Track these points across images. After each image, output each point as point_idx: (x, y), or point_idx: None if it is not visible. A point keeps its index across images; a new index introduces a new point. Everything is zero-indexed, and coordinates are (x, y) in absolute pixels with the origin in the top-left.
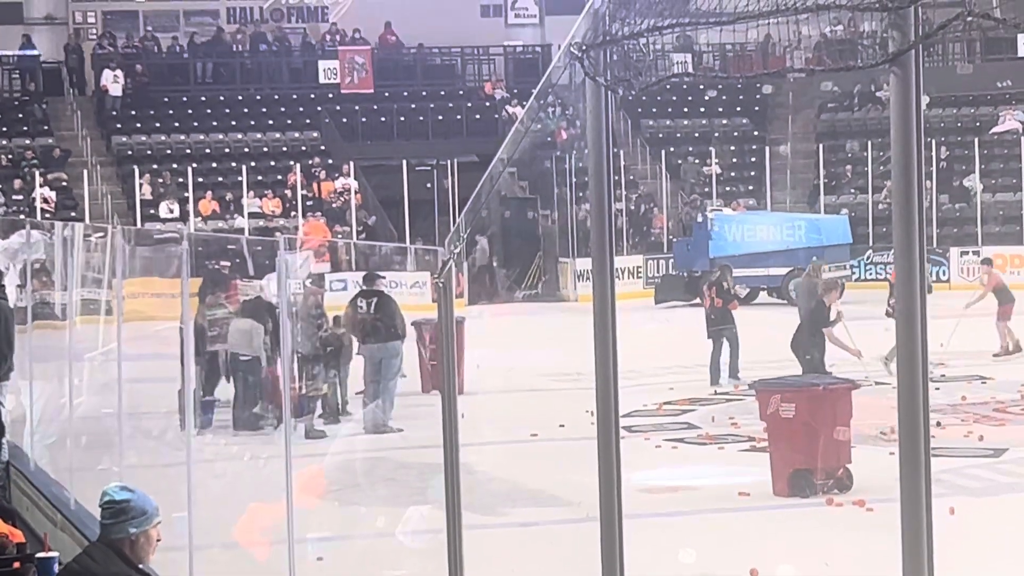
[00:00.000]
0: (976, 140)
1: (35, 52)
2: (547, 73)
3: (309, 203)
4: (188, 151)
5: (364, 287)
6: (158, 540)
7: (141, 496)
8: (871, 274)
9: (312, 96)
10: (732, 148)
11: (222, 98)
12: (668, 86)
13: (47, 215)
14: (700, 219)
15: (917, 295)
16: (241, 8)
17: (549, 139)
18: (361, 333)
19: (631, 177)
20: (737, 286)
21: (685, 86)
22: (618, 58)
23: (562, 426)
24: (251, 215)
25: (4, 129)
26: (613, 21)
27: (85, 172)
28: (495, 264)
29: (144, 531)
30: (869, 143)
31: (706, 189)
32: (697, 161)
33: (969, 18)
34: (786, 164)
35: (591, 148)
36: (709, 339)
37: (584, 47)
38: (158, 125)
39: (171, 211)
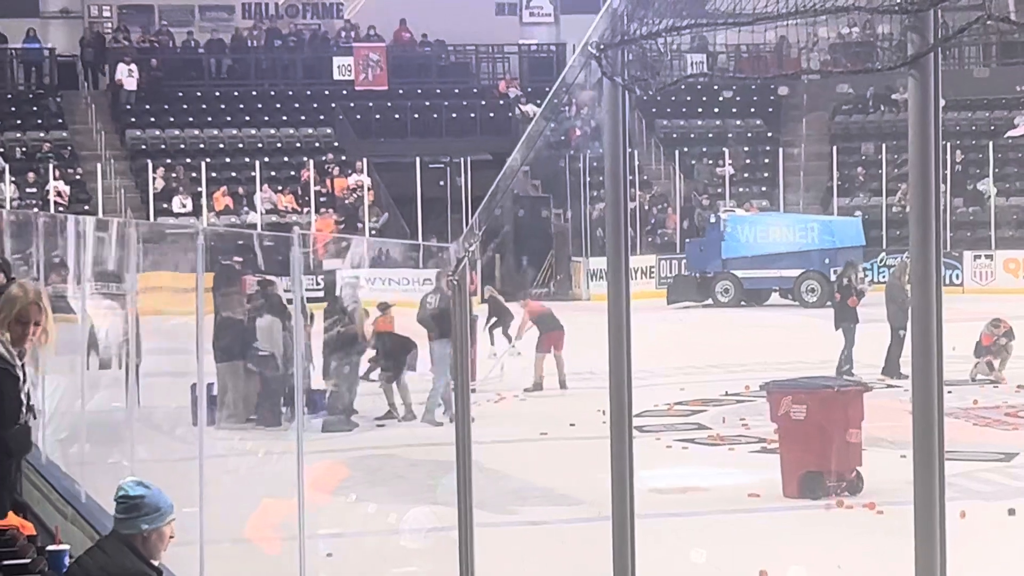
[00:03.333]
0: (991, 144)
1: (48, 45)
2: (563, 73)
3: (322, 199)
4: (202, 146)
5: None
6: (171, 537)
7: (156, 493)
8: (884, 276)
9: (326, 92)
10: (746, 149)
11: (236, 93)
12: (683, 86)
13: (60, 208)
14: (713, 220)
15: (933, 298)
16: (256, 4)
17: (563, 138)
18: (429, 329)
19: (645, 177)
20: (863, 282)
21: (699, 86)
22: (635, 58)
23: (572, 425)
24: (264, 211)
25: (18, 122)
26: (631, 21)
27: (99, 166)
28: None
29: (157, 528)
30: (884, 146)
31: (719, 190)
32: (711, 162)
33: (988, 22)
34: (800, 166)
35: (607, 148)
36: (837, 330)
37: (602, 47)
38: (172, 120)
39: (184, 206)
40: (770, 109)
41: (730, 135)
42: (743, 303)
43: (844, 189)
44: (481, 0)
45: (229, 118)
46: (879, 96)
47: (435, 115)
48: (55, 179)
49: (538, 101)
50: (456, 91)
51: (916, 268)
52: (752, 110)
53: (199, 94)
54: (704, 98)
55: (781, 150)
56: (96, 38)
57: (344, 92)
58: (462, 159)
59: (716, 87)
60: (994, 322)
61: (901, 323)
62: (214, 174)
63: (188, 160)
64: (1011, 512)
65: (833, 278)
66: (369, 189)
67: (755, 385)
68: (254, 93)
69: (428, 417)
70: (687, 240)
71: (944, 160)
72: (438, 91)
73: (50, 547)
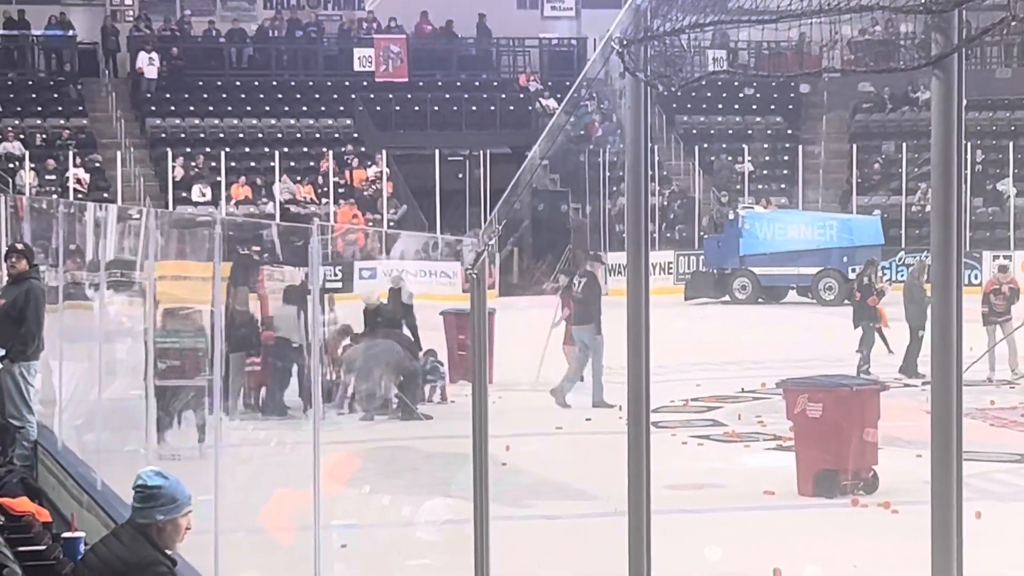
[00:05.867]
0: (1011, 144)
1: (70, 32)
2: (586, 69)
3: (341, 190)
4: (221, 135)
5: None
6: (187, 528)
7: (174, 483)
8: (903, 275)
9: (346, 83)
10: (765, 146)
11: (257, 83)
12: (704, 82)
13: (80, 196)
14: (731, 216)
15: (953, 298)
16: None
17: (582, 133)
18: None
19: (664, 172)
20: (884, 281)
21: (720, 83)
22: (657, 54)
23: (589, 419)
24: (282, 201)
25: (39, 109)
26: (654, 17)
27: (118, 154)
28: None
29: (173, 519)
30: (904, 144)
31: (738, 186)
32: (730, 158)
33: (1013, 22)
34: (819, 163)
35: (629, 144)
36: (856, 328)
37: (624, 42)
38: (192, 109)
39: (203, 195)
40: (790, 106)
41: (750, 132)
42: (760, 300)
43: (863, 187)
44: None
45: (249, 108)
46: (900, 95)
47: (455, 108)
48: (75, 166)
49: (558, 95)
50: (476, 84)
51: (937, 269)
52: (772, 107)
53: (219, 83)
54: (725, 95)
55: (801, 148)
56: (112, 28)
57: (364, 83)
58: (481, 152)
59: (737, 84)
60: (1002, 267)
61: (920, 323)
62: (233, 164)
63: (208, 149)
64: None
65: (851, 276)
66: (388, 181)
67: (771, 382)
68: (274, 83)
69: (598, 399)
70: (705, 236)
71: (965, 160)
72: (458, 84)
73: (65, 534)
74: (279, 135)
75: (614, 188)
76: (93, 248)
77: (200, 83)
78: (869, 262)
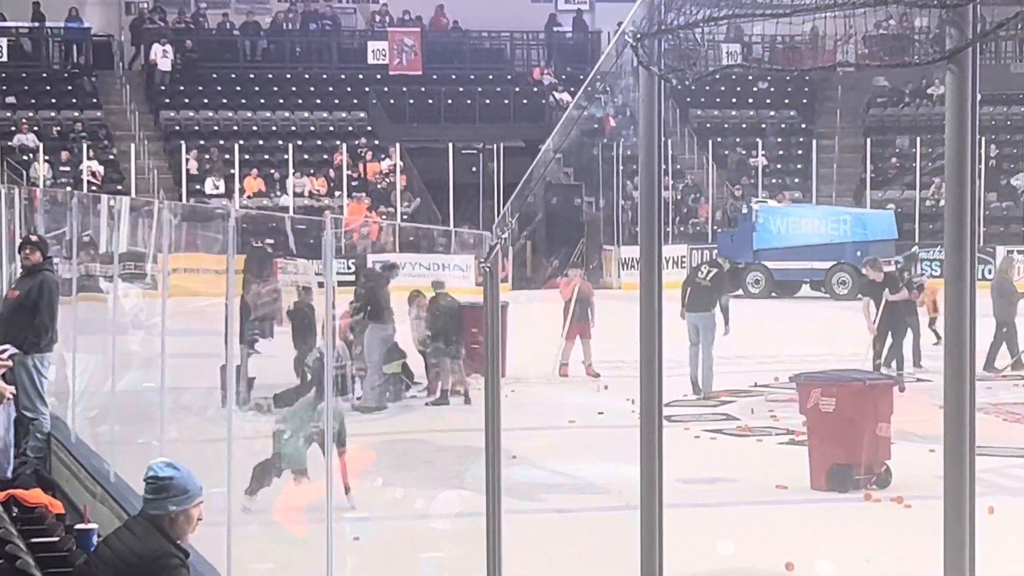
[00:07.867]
0: None
1: (85, 25)
2: (600, 62)
3: (354, 184)
4: (235, 128)
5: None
6: (199, 519)
7: (186, 475)
8: (916, 270)
9: (360, 77)
10: (779, 140)
11: (270, 76)
12: (717, 76)
13: (94, 188)
14: (745, 210)
15: (967, 293)
16: None
17: (596, 126)
18: (688, 300)
19: (678, 166)
20: (920, 276)
21: (734, 76)
22: (671, 47)
23: (601, 413)
24: (296, 194)
25: (53, 101)
26: (668, 10)
27: (132, 146)
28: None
29: (184, 510)
30: (918, 139)
31: (752, 181)
32: (744, 152)
33: None
34: (833, 158)
35: (642, 137)
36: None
37: (639, 36)
38: (206, 101)
39: (216, 187)
40: (804, 101)
41: (764, 126)
42: (774, 294)
43: (877, 182)
44: None
45: (263, 101)
46: (914, 89)
47: (468, 101)
48: (89, 159)
49: (572, 89)
50: (490, 77)
51: (950, 263)
52: (786, 101)
53: (233, 76)
54: (738, 88)
55: (815, 142)
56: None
57: (378, 76)
58: (495, 145)
59: (751, 78)
60: None
61: (1007, 317)
62: (247, 156)
63: (221, 142)
64: None
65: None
66: (401, 174)
67: (784, 377)
68: (288, 76)
69: (706, 388)
70: (719, 230)
71: (979, 154)
72: (472, 77)
73: (78, 526)
74: (293, 128)
75: (627, 182)
76: (107, 240)
77: (214, 76)
78: (907, 256)
